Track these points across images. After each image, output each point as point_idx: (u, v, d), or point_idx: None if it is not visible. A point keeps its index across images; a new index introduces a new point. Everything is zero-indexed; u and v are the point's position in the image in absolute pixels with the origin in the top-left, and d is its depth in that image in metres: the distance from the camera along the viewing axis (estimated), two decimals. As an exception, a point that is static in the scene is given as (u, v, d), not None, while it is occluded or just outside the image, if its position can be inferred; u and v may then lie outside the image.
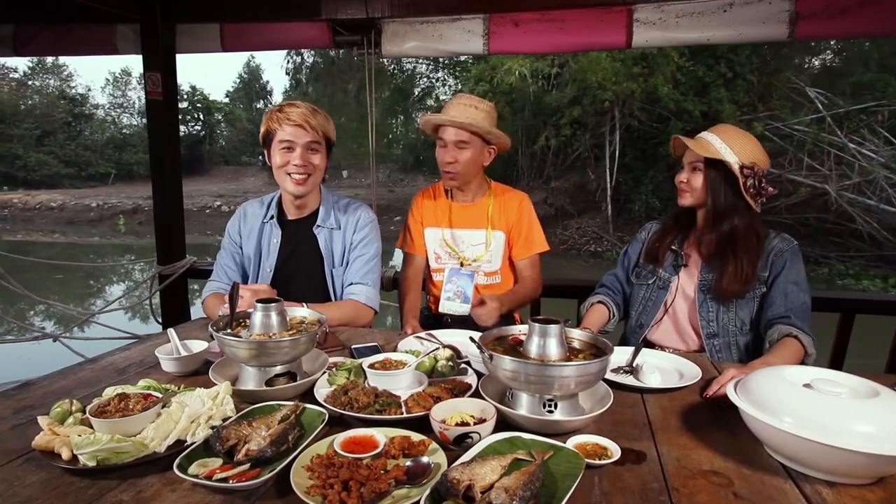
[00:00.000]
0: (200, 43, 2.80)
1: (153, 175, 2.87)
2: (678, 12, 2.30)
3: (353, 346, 1.52)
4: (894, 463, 0.84)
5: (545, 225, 2.16)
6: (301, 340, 1.20)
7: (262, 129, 1.79)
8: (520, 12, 2.46)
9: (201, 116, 33.88)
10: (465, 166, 1.97)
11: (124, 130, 31.09)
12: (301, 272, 1.88)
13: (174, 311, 3.00)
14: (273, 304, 1.25)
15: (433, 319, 2.14)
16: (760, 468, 0.93)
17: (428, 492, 0.80)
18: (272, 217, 1.91)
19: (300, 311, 1.37)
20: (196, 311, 3.47)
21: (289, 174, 1.77)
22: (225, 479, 0.84)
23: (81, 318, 5.47)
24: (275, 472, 0.85)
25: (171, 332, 1.47)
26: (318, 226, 1.89)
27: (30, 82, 30.71)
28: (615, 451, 0.94)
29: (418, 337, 1.61)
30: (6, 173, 25.09)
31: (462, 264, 2.05)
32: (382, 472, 0.86)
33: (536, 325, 1.09)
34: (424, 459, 0.90)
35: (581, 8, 2.39)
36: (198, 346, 1.42)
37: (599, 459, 0.92)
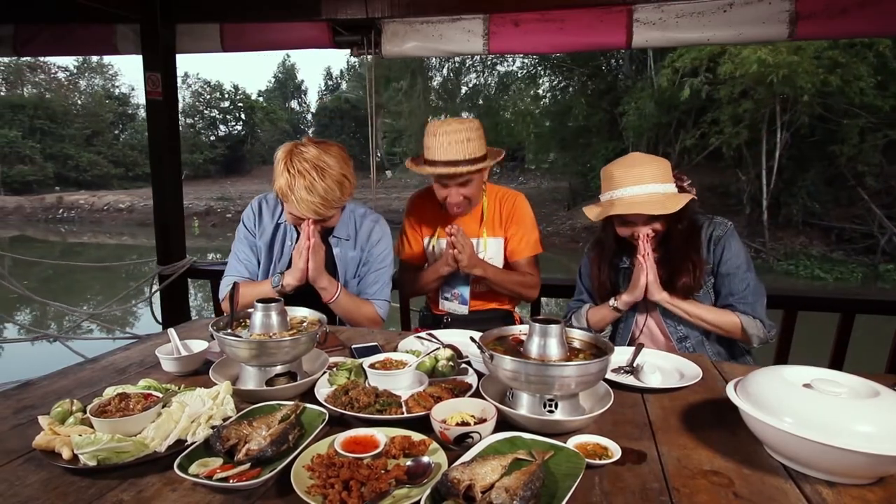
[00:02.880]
0: (200, 43, 2.80)
1: (153, 175, 2.88)
2: (678, 12, 2.30)
3: (354, 346, 1.52)
4: (894, 463, 0.84)
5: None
6: (301, 340, 1.20)
7: (275, 186, 1.68)
8: (520, 12, 2.46)
9: (242, 116, 33.42)
10: (473, 198, 1.95)
11: (168, 130, 31.30)
12: None
13: (174, 311, 3.00)
14: (273, 304, 1.25)
15: (432, 319, 2.14)
16: (760, 468, 0.93)
17: (428, 492, 0.80)
18: None
19: (300, 311, 1.37)
20: (195, 312, 3.47)
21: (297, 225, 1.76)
22: (225, 479, 0.84)
23: (82, 318, 5.47)
24: (275, 471, 0.85)
25: (172, 331, 1.47)
26: (334, 236, 1.86)
27: (77, 82, 30.70)
28: (616, 451, 0.94)
29: (418, 337, 1.61)
30: (58, 173, 25.06)
31: None
32: (383, 471, 0.86)
33: (537, 325, 1.09)
34: (425, 459, 0.90)
35: (581, 8, 2.40)
36: (198, 346, 1.42)
37: (600, 459, 0.92)
